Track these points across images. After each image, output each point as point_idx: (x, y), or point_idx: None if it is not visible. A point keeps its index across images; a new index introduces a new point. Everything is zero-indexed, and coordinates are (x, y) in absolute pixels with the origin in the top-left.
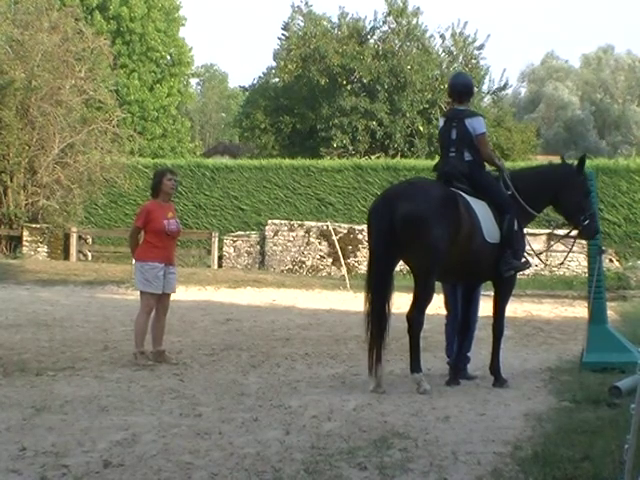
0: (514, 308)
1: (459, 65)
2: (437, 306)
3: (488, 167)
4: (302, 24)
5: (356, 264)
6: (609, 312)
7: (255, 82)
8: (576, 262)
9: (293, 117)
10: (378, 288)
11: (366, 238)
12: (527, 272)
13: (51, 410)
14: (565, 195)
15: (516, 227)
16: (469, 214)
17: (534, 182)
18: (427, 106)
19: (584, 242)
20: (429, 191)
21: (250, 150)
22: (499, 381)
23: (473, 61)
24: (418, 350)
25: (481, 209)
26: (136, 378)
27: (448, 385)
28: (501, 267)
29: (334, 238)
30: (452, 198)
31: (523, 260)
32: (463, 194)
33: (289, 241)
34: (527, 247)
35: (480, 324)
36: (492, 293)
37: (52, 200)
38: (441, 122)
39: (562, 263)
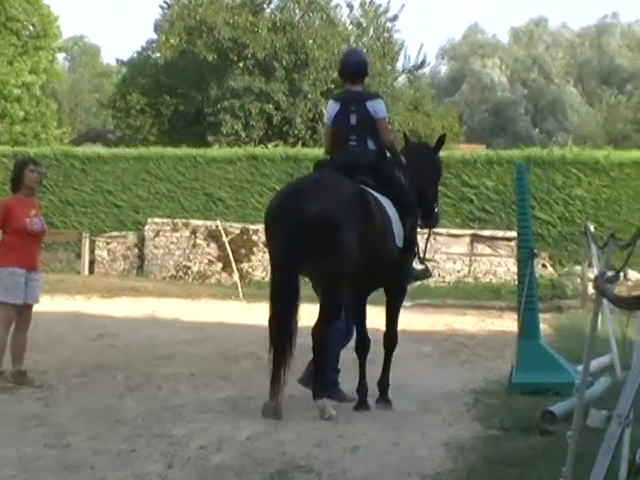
0: (433, 321)
1: (369, 40)
2: None
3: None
4: None
5: (250, 270)
6: (542, 325)
7: (134, 57)
8: (504, 268)
9: (175, 98)
10: (285, 298)
11: (262, 240)
12: (448, 279)
13: None
14: (429, 180)
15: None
16: (380, 214)
17: (415, 169)
18: (332, 86)
19: (513, 244)
20: (339, 187)
21: (122, 134)
22: (385, 400)
23: (385, 35)
24: (324, 369)
25: (389, 207)
26: None
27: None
28: (402, 275)
29: (225, 239)
30: (363, 195)
31: (422, 267)
32: (371, 190)
33: (172, 243)
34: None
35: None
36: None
37: None
38: (333, 106)
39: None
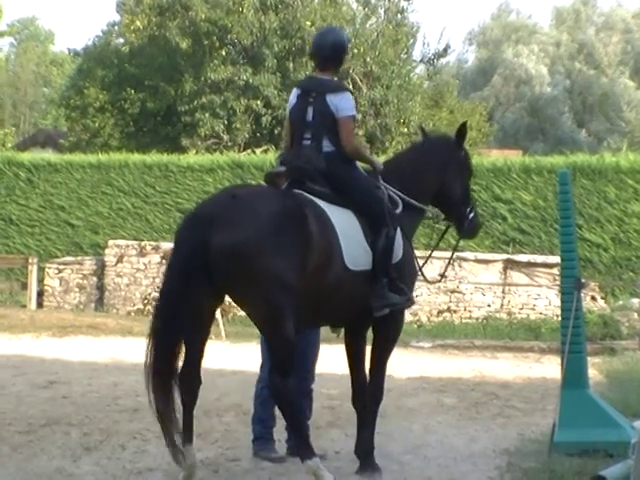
0: (457, 366)
1: (380, 21)
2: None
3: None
4: None
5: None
6: (591, 371)
7: (90, 44)
8: (545, 300)
9: (142, 92)
10: (166, 338)
11: None
12: (476, 314)
13: None
14: (449, 179)
15: (402, 245)
16: (324, 232)
17: (413, 169)
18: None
19: (555, 272)
20: (259, 206)
21: (77, 137)
22: (370, 468)
23: (399, 16)
24: (302, 427)
25: (344, 222)
26: None
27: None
28: (373, 303)
29: None
30: (296, 212)
31: (402, 296)
32: (318, 201)
33: (139, 270)
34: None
35: (410, 387)
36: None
37: None
38: (293, 96)
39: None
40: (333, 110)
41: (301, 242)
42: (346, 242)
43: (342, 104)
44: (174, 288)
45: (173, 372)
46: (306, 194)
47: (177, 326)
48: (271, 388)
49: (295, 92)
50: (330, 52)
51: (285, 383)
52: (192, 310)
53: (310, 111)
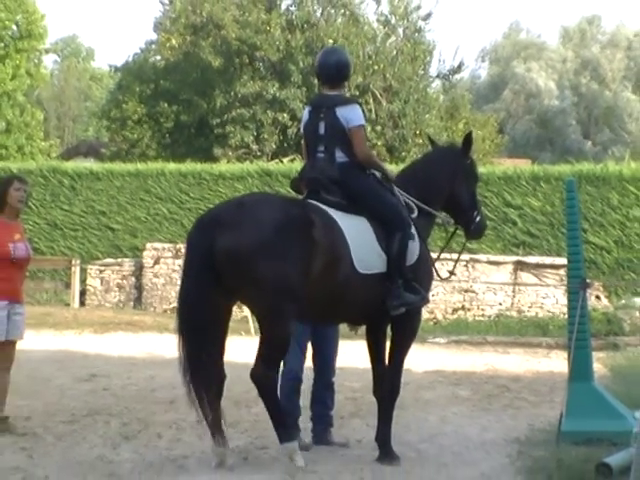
0: (471, 361)
1: (399, 40)
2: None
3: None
4: None
5: None
6: (595, 365)
7: (130, 60)
8: (552, 299)
9: (177, 105)
10: (193, 336)
11: None
12: (488, 312)
13: None
14: (457, 185)
15: (418, 247)
16: (330, 238)
17: (426, 177)
18: (356, 93)
19: (562, 273)
20: (262, 213)
21: (117, 147)
22: (388, 456)
23: (417, 35)
24: (279, 413)
25: (355, 228)
26: None
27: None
28: (389, 302)
29: None
30: (300, 219)
31: (418, 295)
32: (329, 210)
33: (174, 271)
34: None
35: (427, 380)
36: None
37: None
38: (306, 113)
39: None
40: (343, 122)
41: (304, 247)
42: (356, 247)
43: (351, 115)
44: (190, 288)
45: (206, 365)
46: (318, 203)
47: (198, 323)
48: (254, 376)
49: (307, 109)
50: (335, 71)
51: (269, 375)
52: (209, 308)
53: (322, 125)
